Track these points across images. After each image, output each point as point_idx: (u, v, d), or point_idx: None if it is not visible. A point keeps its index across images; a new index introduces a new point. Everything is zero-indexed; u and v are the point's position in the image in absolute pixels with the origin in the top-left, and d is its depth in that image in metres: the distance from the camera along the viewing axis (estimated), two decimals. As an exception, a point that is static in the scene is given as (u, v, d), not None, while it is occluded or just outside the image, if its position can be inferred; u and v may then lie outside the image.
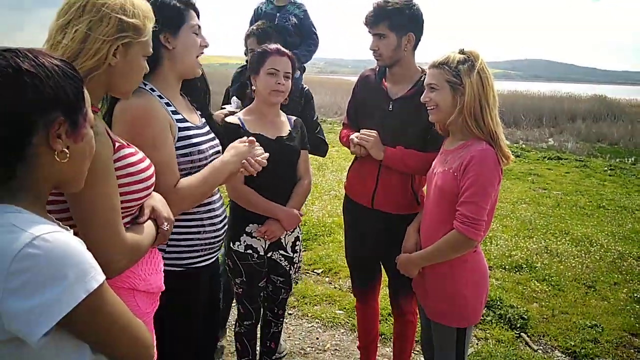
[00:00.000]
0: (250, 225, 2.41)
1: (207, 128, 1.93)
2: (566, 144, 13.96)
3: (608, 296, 4.16)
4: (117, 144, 1.34)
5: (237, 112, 2.56)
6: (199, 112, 1.97)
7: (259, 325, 2.66)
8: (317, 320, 3.62)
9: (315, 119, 3.00)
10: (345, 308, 3.77)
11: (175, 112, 1.76)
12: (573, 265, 4.76)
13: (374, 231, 2.58)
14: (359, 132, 2.49)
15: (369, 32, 2.44)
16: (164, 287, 1.54)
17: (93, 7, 1.30)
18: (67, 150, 1.01)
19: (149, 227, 1.44)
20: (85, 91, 1.08)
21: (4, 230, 0.90)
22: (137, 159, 1.41)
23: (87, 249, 1.23)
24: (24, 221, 0.93)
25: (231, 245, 2.43)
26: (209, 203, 1.89)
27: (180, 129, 1.76)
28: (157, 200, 1.52)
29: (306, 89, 2.99)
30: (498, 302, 3.81)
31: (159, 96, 1.74)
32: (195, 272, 1.87)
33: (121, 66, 1.36)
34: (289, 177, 2.49)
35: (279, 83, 2.34)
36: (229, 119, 2.38)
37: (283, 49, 2.39)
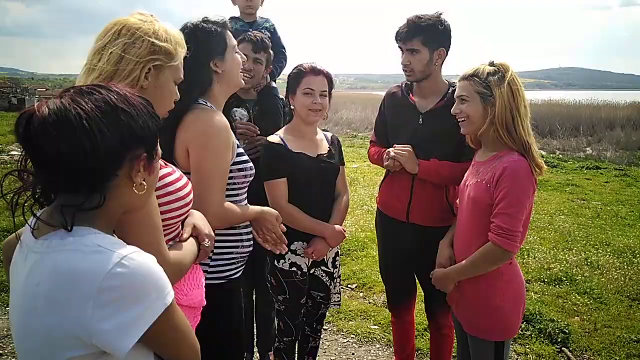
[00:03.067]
0: (295, 243, 2.41)
1: None
2: (605, 153, 13.54)
3: (654, 309, 4.01)
4: None
5: (245, 120, 2.69)
6: None
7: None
8: (352, 335, 3.62)
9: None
10: (380, 323, 3.76)
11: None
12: (615, 277, 4.62)
13: (409, 245, 2.59)
14: (389, 148, 2.52)
15: (401, 47, 2.47)
16: (205, 302, 1.60)
17: (128, 31, 1.39)
18: (144, 183, 1.10)
19: (190, 244, 1.50)
20: None
21: (90, 251, 0.97)
22: (175, 177, 1.47)
23: None
24: (107, 242, 1.00)
25: (275, 263, 2.45)
26: None
27: (237, 146, 1.89)
28: (197, 218, 1.58)
29: (283, 99, 2.88)
30: (538, 316, 3.72)
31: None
32: (234, 284, 1.97)
33: (152, 89, 1.43)
34: (330, 193, 2.54)
35: (314, 102, 2.38)
36: (271, 139, 2.43)
37: (318, 67, 2.41)
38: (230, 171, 1.86)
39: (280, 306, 2.52)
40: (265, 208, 2.04)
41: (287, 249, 2.15)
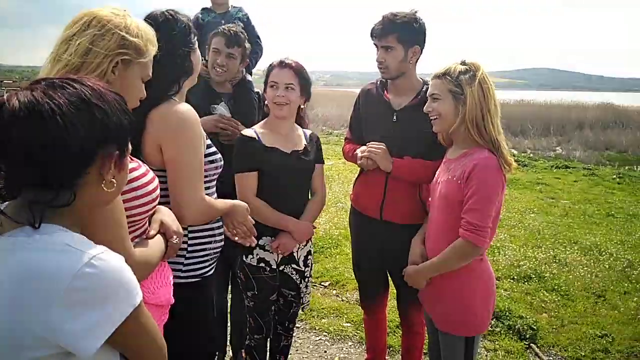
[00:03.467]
0: (264, 238, 2.39)
1: None
2: (574, 153, 13.88)
3: (618, 305, 4.12)
4: None
5: (227, 116, 2.66)
6: None
7: (269, 339, 2.66)
8: (324, 333, 3.62)
9: None
10: (352, 321, 3.76)
11: None
12: (582, 274, 4.73)
13: (382, 243, 2.59)
14: (364, 145, 2.52)
15: (376, 44, 2.47)
16: (173, 300, 1.57)
17: (98, 23, 1.34)
18: (114, 180, 1.07)
19: (158, 241, 1.47)
20: None
21: (58, 250, 0.94)
22: (140, 172, 1.44)
23: None
24: (76, 241, 0.97)
25: (244, 258, 2.44)
26: None
27: (206, 137, 1.85)
28: (165, 215, 1.55)
29: (259, 92, 2.88)
30: (507, 313, 3.78)
31: None
32: (208, 281, 1.94)
33: (118, 84, 1.38)
34: (304, 191, 2.52)
35: (278, 95, 2.35)
36: (245, 132, 2.41)
37: (287, 60, 2.40)
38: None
39: (250, 302, 2.49)
40: (236, 201, 2.01)
41: (255, 241, 2.13)
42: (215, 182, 1.96)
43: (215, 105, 2.69)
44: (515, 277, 4.61)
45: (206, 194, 1.85)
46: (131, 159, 1.45)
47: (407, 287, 2.26)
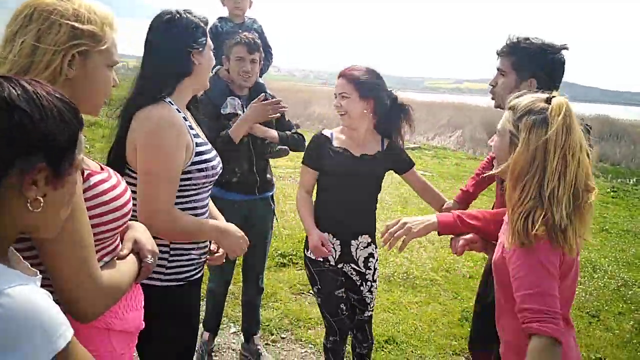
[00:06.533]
0: (322, 233, 2.47)
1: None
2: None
3: (613, 327, 4.02)
4: (86, 172, 1.22)
5: (239, 113, 2.78)
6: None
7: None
8: (310, 345, 3.47)
9: (288, 120, 3.11)
10: (340, 333, 3.63)
11: (191, 127, 1.76)
12: (577, 292, 4.61)
13: None
14: None
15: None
16: (143, 326, 1.43)
17: (40, 15, 1.18)
18: (41, 199, 0.90)
19: (130, 262, 1.33)
20: (81, 135, 0.98)
21: None
22: (110, 185, 1.28)
23: (58, 292, 1.11)
24: None
25: (305, 252, 2.58)
26: (200, 215, 1.85)
27: (197, 144, 1.76)
28: (139, 232, 1.41)
29: (271, 94, 3.04)
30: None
31: (177, 110, 1.74)
32: (193, 285, 1.88)
33: (82, 78, 1.24)
34: (367, 194, 2.56)
35: (335, 105, 2.50)
36: (324, 131, 2.59)
37: (344, 69, 2.48)
38: (189, 172, 1.73)
39: (318, 299, 2.61)
40: (230, 227, 1.88)
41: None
42: (208, 190, 1.86)
43: (227, 101, 2.83)
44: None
45: (195, 206, 1.79)
46: (102, 169, 1.31)
47: None
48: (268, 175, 3.00)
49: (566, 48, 2.06)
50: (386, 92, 2.49)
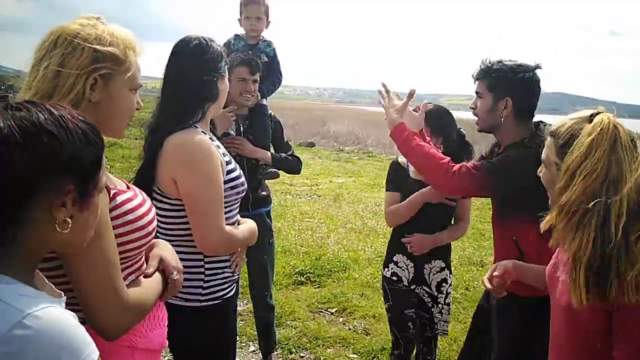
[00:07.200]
0: (397, 255, 2.68)
1: None
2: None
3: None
4: (112, 191, 1.24)
5: (231, 133, 2.90)
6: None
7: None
8: (330, 364, 3.45)
9: (286, 141, 3.27)
10: (359, 352, 3.58)
11: (218, 147, 1.81)
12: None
13: None
14: None
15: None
16: (166, 344, 1.44)
17: (65, 40, 1.21)
18: (69, 220, 0.93)
19: (155, 280, 1.34)
20: (104, 156, 1.01)
21: None
22: (136, 203, 1.31)
23: (84, 309, 1.13)
24: (11, 294, 0.83)
25: (383, 271, 2.77)
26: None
27: (227, 163, 1.81)
28: (164, 249, 1.43)
29: (273, 114, 3.21)
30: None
31: (203, 132, 1.78)
32: (230, 302, 1.95)
33: (105, 102, 1.26)
34: (439, 221, 2.67)
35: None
36: (400, 158, 2.70)
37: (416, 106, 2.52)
38: (224, 190, 1.77)
39: (388, 313, 2.77)
40: (253, 226, 1.98)
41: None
42: (238, 204, 1.92)
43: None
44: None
45: (229, 223, 1.82)
46: (128, 187, 1.33)
47: None
48: (263, 193, 3.08)
49: (539, 67, 2.13)
50: (455, 129, 2.68)
